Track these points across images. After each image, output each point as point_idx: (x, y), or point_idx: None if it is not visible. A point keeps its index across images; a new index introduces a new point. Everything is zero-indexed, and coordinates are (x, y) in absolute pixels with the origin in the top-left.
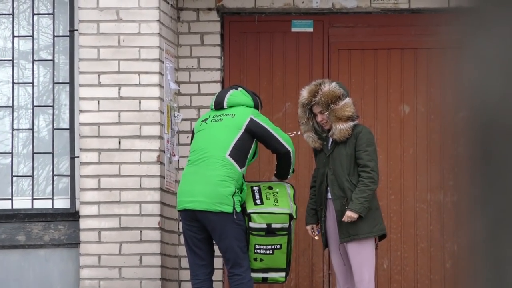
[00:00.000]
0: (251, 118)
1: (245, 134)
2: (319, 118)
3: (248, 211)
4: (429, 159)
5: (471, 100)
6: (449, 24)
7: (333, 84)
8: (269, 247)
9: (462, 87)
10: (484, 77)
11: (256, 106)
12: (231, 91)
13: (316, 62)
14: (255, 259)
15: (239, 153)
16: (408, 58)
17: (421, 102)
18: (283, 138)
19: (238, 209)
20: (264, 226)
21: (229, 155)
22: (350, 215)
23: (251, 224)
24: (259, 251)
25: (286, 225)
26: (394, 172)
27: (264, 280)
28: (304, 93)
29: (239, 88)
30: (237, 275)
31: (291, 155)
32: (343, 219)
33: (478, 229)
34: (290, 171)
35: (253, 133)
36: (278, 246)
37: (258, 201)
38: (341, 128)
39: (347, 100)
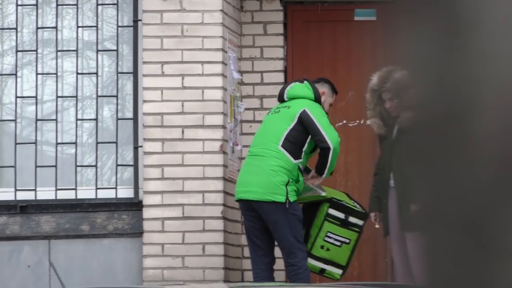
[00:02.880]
0: (304, 110)
1: (297, 126)
2: (388, 104)
3: (330, 197)
4: None
5: (404, 96)
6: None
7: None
8: (339, 238)
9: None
10: (411, 74)
11: (317, 99)
12: (293, 84)
13: (379, 51)
14: (322, 247)
15: (292, 145)
16: None
17: None
18: (328, 135)
19: (292, 198)
20: (342, 216)
21: (282, 146)
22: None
23: (330, 211)
24: (329, 239)
25: (361, 223)
26: None
27: (321, 271)
28: (375, 79)
29: (304, 82)
30: (293, 265)
31: (330, 152)
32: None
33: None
34: (326, 170)
35: (303, 124)
36: (348, 241)
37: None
38: (410, 117)
39: None
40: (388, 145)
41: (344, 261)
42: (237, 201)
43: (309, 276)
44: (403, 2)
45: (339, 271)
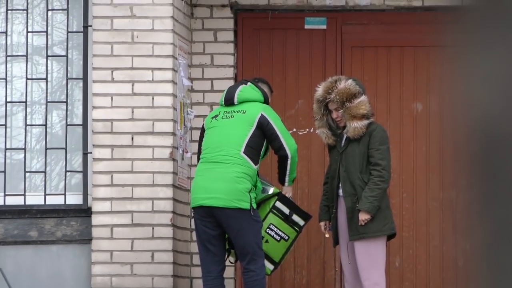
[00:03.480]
0: (262, 115)
1: (257, 131)
2: (334, 115)
3: (279, 191)
4: (441, 157)
5: (472, 113)
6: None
7: (349, 81)
8: (280, 233)
9: (462, 99)
10: (485, 92)
11: (266, 100)
12: (241, 87)
13: (329, 59)
14: (262, 237)
15: (253, 150)
16: (421, 56)
17: (434, 100)
18: (287, 142)
19: (255, 205)
20: (287, 212)
21: (244, 152)
22: (363, 217)
23: (277, 204)
24: (270, 231)
25: (302, 223)
26: (407, 170)
27: None
28: (320, 89)
29: (248, 83)
30: (252, 271)
31: (288, 160)
32: (359, 224)
33: (479, 237)
34: (287, 177)
35: (262, 129)
36: (286, 238)
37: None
38: (355, 126)
39: (363, 98)
40: (336, 154)
41: (278, 257)
42: (194, 207)
43: (265, 285)
44: (472, 18)
45: (271, 267)
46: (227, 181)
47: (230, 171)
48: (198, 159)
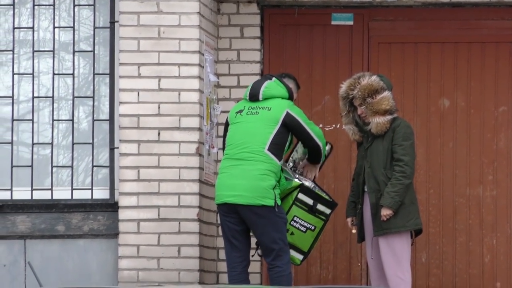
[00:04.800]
0: (287, 112)
1: (282, 128)
2: (359, 111)
3: (301, 183)
4: (468, 153)
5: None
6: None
7: (374, 77)
8: (305, 224)
9: None
10: None
11: (291, 97)
12: (266, 83)
13: (356, 55)
14: (287, 230)
15: (277, 147)
16: (449, 52)
17: (461, 96)
18: (315, 133)
19: (279, 202)
20: (311, 202)
21: (268, 149)
22: (385, 213)
23: (300, 196)
24: (295, 224)
25: (328, 211)
26: (433, 166)
27: None
28: (343, 86)
29: (273, 79)
30: (278, 267)
31: (321, 149)
32: (381, 219)
33: None
34: (322, 158)
35: (288, 126)
36: (313, 228)
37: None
38: (377, 122)
39: (385, 93)
40: (363, 150)
41: (306, 247)
42: (218, 204)
43: (291, 280)
44: None
45: (300, 257)
46: (250, 178)
47: (254, 169)
48: (224, 154)
